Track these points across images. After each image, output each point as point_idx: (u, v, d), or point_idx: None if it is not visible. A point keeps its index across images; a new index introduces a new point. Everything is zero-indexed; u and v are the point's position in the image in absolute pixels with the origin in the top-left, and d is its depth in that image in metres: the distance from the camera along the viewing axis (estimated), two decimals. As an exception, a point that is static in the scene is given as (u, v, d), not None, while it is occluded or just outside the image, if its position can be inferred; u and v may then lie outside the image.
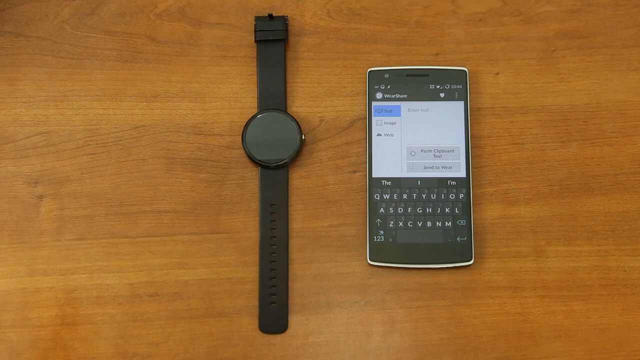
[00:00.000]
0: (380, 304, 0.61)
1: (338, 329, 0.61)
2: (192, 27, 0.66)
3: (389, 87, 0.64)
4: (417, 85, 0.64)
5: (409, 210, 0.62)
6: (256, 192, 0.63)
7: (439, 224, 0.61)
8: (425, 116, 0.63)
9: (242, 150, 0.63)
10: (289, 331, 0.61)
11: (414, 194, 0.62)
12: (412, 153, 0.63)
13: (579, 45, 0.65)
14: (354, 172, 0.63)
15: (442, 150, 0.63)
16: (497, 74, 0.65)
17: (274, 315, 0.61)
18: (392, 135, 0.63)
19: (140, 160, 0.64)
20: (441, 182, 0.62)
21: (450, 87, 0.64)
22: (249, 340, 0.61)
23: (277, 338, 0.61)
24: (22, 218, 0.62)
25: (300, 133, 0.63)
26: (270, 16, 0.65)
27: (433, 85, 0.64)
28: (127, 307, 0.61)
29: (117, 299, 0.61)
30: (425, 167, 0.62)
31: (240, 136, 0.63)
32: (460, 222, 0.61)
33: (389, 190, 0.62)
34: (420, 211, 0.62)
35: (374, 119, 0.63)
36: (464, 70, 0.64)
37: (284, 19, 0.65)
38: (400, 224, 0.61)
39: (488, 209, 0.63)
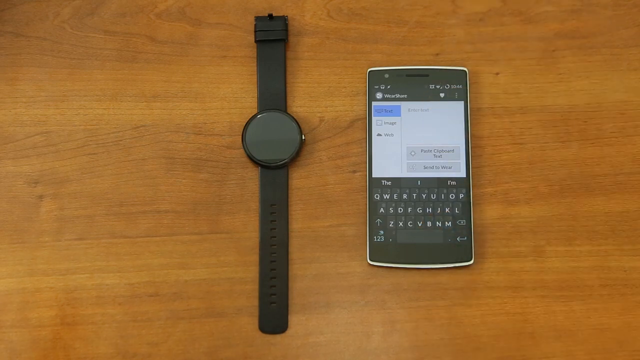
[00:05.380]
0: (380, 304, 0.61)
1: (338, 329, 0.61)
2: (192, 27, 0.66)
3: (389, 87, 0.64)
4: (417, 85, 0.64)
5: (409, 210, 0.62)
6: (256, 192, 0.63)
7: (439, 224, 0.61)
8: (425, 116, 0.63)
9: (242, 150, 0.63)
10: (289, 331, 0.61)
11: (414, 194, 0.62)
12: (412, 153, 0.63)
13: (579, 45, 0.65)
14: (354, 172, 0.63)
15: (442, 150, 0.63)
16: (497, 74, 0.65)
17: (274, 315, 0.61)
18: (392, 135, 0.63)
19: (140, 160, 0.64)
20: (441, 182, 0.62)
21: (450, 87, 0.64)
22: (249, 340, 0.61)
23: (277, 338, 0.61)
24: (22, 218, 0.62)
25: (300, 133, 0.63)
26: (270, 16, 0.65)
27: (433, 85, 0.64)
28: (127, 307, 0.61)
29: (117, 299, 0.61)
30: (425, 167, 0.62)
31: (240, 136, 0.63)
32: (460, 222, 0.61)
33: (389, 190, 0.62)
34: (420, 211, 0.62)
35: (374, 119, 0.63)
36: (464, 70, 0.64)
37: (284, 19, 0.65)
38: (400, 224, 0.61)
39: (488, 209, 0.63)
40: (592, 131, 0.64)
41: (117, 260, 0.62)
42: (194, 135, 0.64)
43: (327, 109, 0.65)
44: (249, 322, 0.61)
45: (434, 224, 0.61)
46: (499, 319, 0.61)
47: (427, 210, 0.62)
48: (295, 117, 0.63)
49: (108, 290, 0.61)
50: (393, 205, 0.62)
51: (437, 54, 0.65)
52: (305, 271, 0.62)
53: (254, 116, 0.63)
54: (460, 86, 0.64)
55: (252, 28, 0.66)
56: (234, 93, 0.65)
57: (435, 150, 0.63)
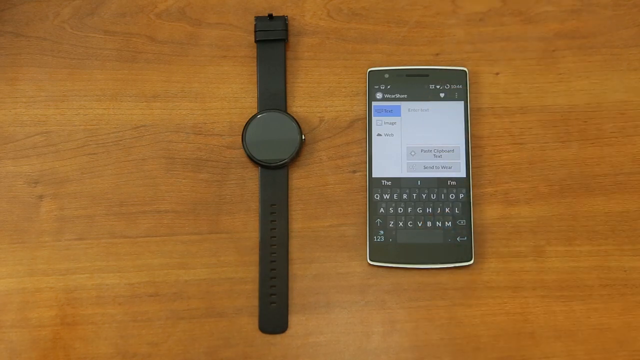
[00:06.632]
0: (380, 304, 0.61)
1: (338, 329, 0.61)
2: (192, 27, 0.66)
3: (389, 87, 0.64)
4: (417, 85, 0.64)
5: (409, 210, 0.62)
6: (256, 192, 0.63)
7: (439, 224, 0.61)
8: (425, 116, 0.63)
9: (242, 150, 0.63)
10: (289, 331, 0.61)
11: (414, 194, 0.62)
12: (412, 153, 0.63)
13: (579, 45, 0.65)
14: (354, 172, 0.63)
15: (442, 150, 0.63)
16: (497, 74, 0.65)
17: (274, 315, 0.61)
18: (392, 135, 0.63)
19: (140, 160, 0.64)
20: (441, 182, 0.62)
21: (450, 87, 0.64)
22: (249, 340, 0.61)
23: (277, 338, 0.61)
24: (22, 218, 0.62)
25: (300, 133, 0.63)
26: (270, 16, 0.65)
27: (433, 85, 0.64)
28: (127, 307, 0.61)
29: (117, 299, 0.61)
30: (425, 167, 0.62)
31: (240, 136, 0.63)
32: (460, 222, 0.61)
33: (389, 190, 0.62)
34: (420, 211, 0.62)
35: (374, 119, 0.63)
36: (464, 70, 0.64)
37: (284, 19, 0.65)
38: (400, 224, 0.61)
39: (488, 209, 0.63)
40: (592, 131, 0.64)
41: (117, 260, 0.62)
42: (194, 135, 0.64)
43: (327, 109, 0.65)
44: (249, 322, 0.61)
45: (434, 224, 0.61)
46: (499, 319, 0.61)
47: (427, 210, 0.62)
48: (295, 117, 0.63)
49: (108, 290, 0.61)
50: (393, 205, 0.62)
51: (437, 54, 0.65)
52: (305, 271, 0.62)
53: (254, 116, 0.63)
54: (460, 86, 0.64)
55: (252, 28, 0.66)
56: (234, 93, 0.65)
57: (435, 150, 0.63)
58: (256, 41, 0.65)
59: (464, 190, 0.62)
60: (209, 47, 0.66)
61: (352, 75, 0.65)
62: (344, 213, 0.63)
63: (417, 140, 0.63)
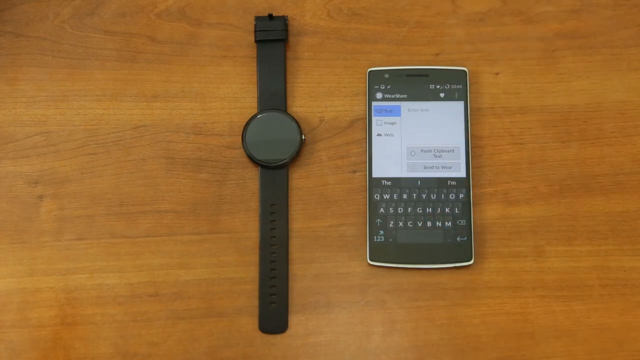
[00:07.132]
0: (380, 304, 0.61)
1: (338, 329, 0.61)
2: (192, 27, 0.66)
3: (389, 87, 0.64)
4: (417, 85, 0.64)
5: (409, 210, 0.62)
6: (256, 192, 0.63)
7: (439, 224, 0.61)
8: (425, 116, 0.63)
9: (242, 150, 0.63)
10: (289, 331, 0.61)
11: (414, 194, 0.62)
12: (412, 153, 0.63)
13: (579, 45, 0.65)
14: (354, 172, 0.63)
15: (442, 150, 0.63)
16: (497, 74, 0.65)
17: (274, 315, 0.61)
18: (392, 135, 0.63)
19: (140, 160, 0.64)
20: (441, 182, 0.62)
21: (450, 87, 0.64)
22: (249, 340, 0.61)
23: (277, 338, 0.61)
24: (22, 218, 0.62)
25: (300, 133, 0.63)
26: (270, 16, 0.65)
27: (433, 85, 0.64)
28: (127, 307, 0.61)
29: (117, 299, 0.61)
30: (425, 167, 0.62)
31: (240, 136, 0.63)
32: (460, 222, 0.61)
33: (389, 190, 0.62)
34: (420, 211, 0.62)
35: (374, 119, 0.63)
36: (464, 70, 0.64)
37: (284, 19, 0.65)
38: (400, 224, 0.61)
39: (488, 209, 0.63)
40: (592, 131, 0.64)
41: (117, 260, 0.62)
42: (194, 135, 0.64)
43: (327, 109, 0.65)
44: (249, 322, 0.61)
45: (434, 224, 0.61)
46: (499, 319, 0.61)
47: (427, 210, 0.62)
48: (295, 117, 0.63)
49: (108, 290, 0.61)
50: (393, 205, 0.62)
51: (437, 54, 0.65)
52: (305, 271, 0.62)
53: (254, 116, 0.63)
54: (460, 86, 0.64)
55: (252, 28, 0.66)
56: (234, 93, 0.65)
57: (435, 150, 0.63)
58: (256, 41, 0.65)
59: (464, 190, 0.62)
60: (209, 47, 0.66)
61: (352, 75, 0.65)
62: (344, 213, 0.63)
63: (417, 140, 0.63)
